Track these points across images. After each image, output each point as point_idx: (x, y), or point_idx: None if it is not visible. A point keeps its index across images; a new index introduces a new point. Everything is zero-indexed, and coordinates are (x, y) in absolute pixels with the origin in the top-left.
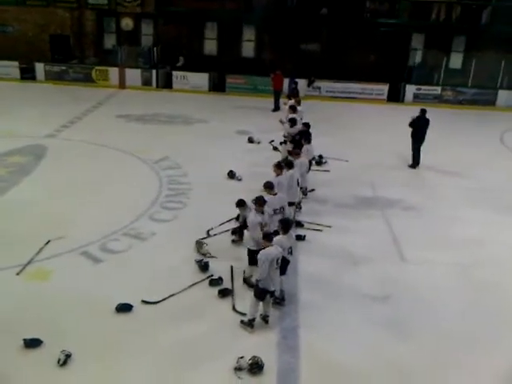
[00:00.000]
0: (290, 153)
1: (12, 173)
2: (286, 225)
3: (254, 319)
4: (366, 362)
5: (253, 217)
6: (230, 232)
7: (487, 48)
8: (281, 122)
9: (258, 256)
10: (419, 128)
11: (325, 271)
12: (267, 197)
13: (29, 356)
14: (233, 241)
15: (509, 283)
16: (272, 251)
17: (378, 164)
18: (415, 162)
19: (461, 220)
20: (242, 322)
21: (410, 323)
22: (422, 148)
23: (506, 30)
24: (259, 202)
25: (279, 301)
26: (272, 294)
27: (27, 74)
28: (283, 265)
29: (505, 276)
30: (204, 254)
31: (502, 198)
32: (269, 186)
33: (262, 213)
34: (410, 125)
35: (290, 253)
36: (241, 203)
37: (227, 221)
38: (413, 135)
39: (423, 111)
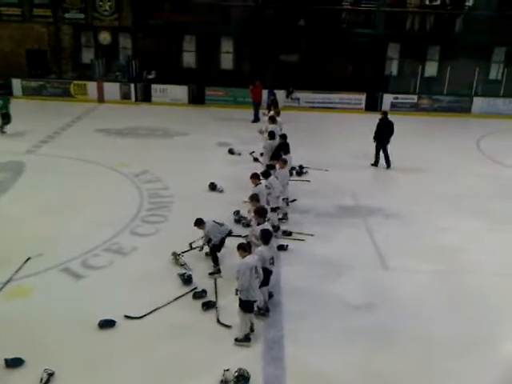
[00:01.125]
0: (268, 166)
1: None
2: (267, 235)
3: (248, 333)
4: (350, 371)
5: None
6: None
7: (461, 56)
8: (260, 132)
9: (237, 267)
10: (381, 129)
11: (308, 281)
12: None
13: (10, 376)
14: (206, 254)
15: (489, 289)
16: (250, 260)
17: (359, 173)
18: (377, 161)
19: (440, 227)
20: (236, 340)
21: (394, 331)
22: (390, 150)
23: (478, 38)
24: (260, 212)
25: (263, 312)
26: (255, 302)
27: (4, 90)
28: (266, 275)
29: (485, 282)
30: (182, 265)
31: (481, 203)
32: (255, 198)
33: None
34: (376, 127)
35: (272, 263)
36: (198, 222)
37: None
38: (376, 137)
39: (385, 113)
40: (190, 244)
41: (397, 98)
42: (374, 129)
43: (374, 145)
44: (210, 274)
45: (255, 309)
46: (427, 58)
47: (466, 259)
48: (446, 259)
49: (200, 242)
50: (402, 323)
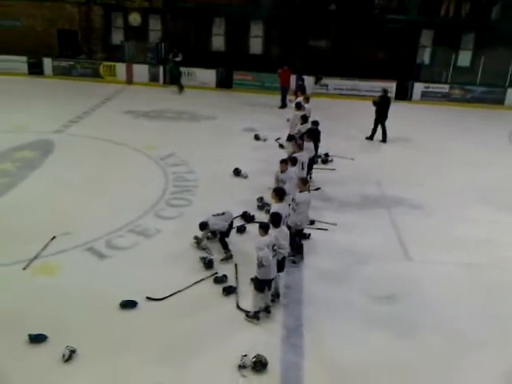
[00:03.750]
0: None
1: (19, 168)
2: (275, 218)
3: (258, 311)
4: (370, 361)
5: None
6: (235, 230)
7: (496, 45)
8: (288, 120)
9: (256, 243)
10: (382, 106)
11: (330, 270)
12: (275, 206)
13: (33, 351)
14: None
15: None
16: (267, 238)
17: (385, 162)
18: (373, 135)
19: (468, 219)
20: (247, 315)
21: (415, 323)
22: (387, 124)
23: None
24: (278, 192)
25: (273, 298)
26: (271, 282)
27: (35, 69)
28: (280, 261)
29: (511, 276)
30: (204, 249)
31: (510, 196)
32: (279, 194)
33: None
34: (374, 103)
35: (282, 248)
36: (204, 226)
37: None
38: (377, 112)
39: (385, 91)
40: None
41: (428, 87)
42: (403, 119)
43: (400, 134)
44: (221, 260)
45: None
46: (461, 47)
47: (493, 253)
48: (473, 252)
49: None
50: (424, 315)
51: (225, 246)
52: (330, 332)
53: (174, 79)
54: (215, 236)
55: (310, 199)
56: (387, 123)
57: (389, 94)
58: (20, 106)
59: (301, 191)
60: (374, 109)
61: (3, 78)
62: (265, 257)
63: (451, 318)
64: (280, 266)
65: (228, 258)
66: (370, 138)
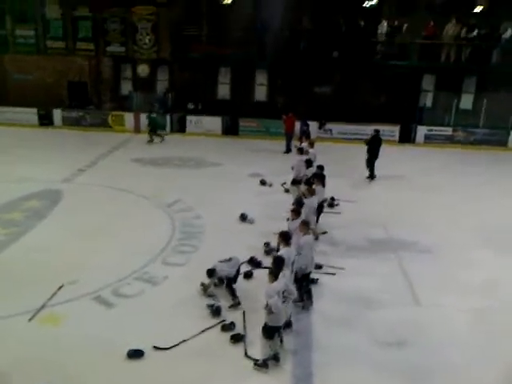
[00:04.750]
0: (304, 195)
1: (28, 217)
2: (278, 262)
3: (268, 359)
4: None
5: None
6: (242, 276)
7: (498, 88)
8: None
9: (265, 291)
10: (373, 145)
11: (338, 315)
12: (282, 250)
13: None
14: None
15: None
16: (277, 285)
17: (391, 205)
18: (373, 174)
19: (475, 263)
20: (255, 364)
21: (426, 371)
22: (377, 164)
23: None
24: (284, 236)
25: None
26: (280, 329)
27: (45, 120)
28: None
29: None
30: (211, 296)
31: None
32: (284, 237)
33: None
34: (366, 143)
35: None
36: (211, 273)
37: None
38: (368, 151)
39: (377, 131)
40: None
41: (431, 130)
42: (407, 161)
43: (405, 177)
44: (229, 307)
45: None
46: (463, 90)
47: (502, 297)
48: (481, 297)
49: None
50: (434, 362)
51: (232, 293)
52: (340, 380)
53: (155, 129)
54: (222, 283)
55: (312, 242)
56: (377, 162)
57: (380, 135)
58: (29, 157)
59: (304, 234)
60: (365, 148)
61: (15, 130)
62: (274, 304)
63: (462, 365)
64: None
65: (236, 304)
66: (371, 177)
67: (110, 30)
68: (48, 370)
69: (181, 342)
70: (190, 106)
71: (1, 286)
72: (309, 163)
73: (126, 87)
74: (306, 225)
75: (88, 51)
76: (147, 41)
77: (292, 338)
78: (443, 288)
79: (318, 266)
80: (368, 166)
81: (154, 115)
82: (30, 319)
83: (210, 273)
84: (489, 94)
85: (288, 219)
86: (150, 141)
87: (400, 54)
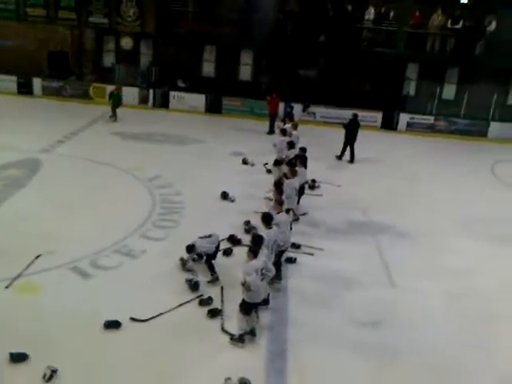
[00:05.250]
0: (285, 175)
1: (6, 185)
2: (257, 240)
3: (244, 334)
4: None
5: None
6: (221, 252)
7: (480, 80)
8: (275, 145)
9: (244, 269)
10: (351, 128)
11: (315, 295)
12: (264, 232)
13: (14, 370)
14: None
15: (497, 313)
16: (256, 263)
17: (371, 189)
18: (342, 155)
19: (451, 249)
20: (231, 338)
21: (399, 350)
22: (355, 146)
23: (498, 62)
24: (265, 218)
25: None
26: (258, 305)
27: (24, 89)
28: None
29: (494, 306)
30: (189, 271)
31: (493, 227)
32: (265, 220)
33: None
34: (344, 126)
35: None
36: (190, 249)
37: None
38: (346, 134)
39: (355, 115)
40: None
41: (413, 118)
42: (389, 147)
43: (388, 158)
44: (208, 282)
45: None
46: (445, 80)
47: (476, 282)
48: (456, 281)
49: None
50: (408, 342)
51: (211, 269)
52: (313, 357)
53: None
54: (201, 258)
55: (288, 219)
56: (358, 147)
57: (358, 119)
58: (7, 125)
59: (278, 212)
60: (346, 133)
61: None
62: (253, 282)
63: (435, 346)
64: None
65: (214, 280)
66: (339, 157)
67: (94, 1)
68: (22, 338)
69: (158, 315)
70: (181, 83)
71: None
72: (291, 145)
73: (109, 59)
74: (278, 203)
75: (70, 21)
76: (131, 13)
77: (268, 314)
78: (419, 271)
79: (297, 246)
80: (344, 149)
81: (116, 92)
82: (6, 287)
83: (190, 249)
84: (471, 86)
85: (266, 198)
86: (113, 117)
87: (386, 41)
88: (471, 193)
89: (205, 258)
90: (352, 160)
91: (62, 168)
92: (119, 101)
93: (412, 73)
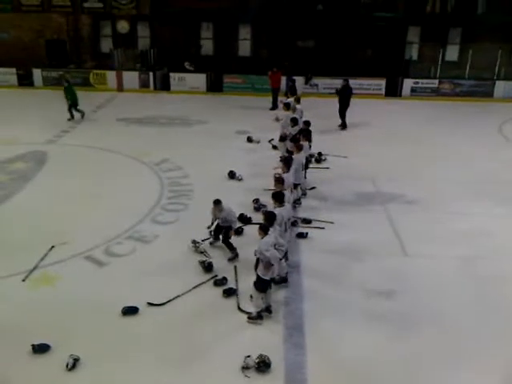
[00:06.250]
0: (289, 152)
1: (14, 179)
2: (270, 217)
3: (261, 311)
4: (372, 357)
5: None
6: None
7: (484, 38)
8: (276, 119)
9: (261, 246)
10: (343, 94)
11: (328, 268)
12: (276, 210)
13: (37, 361)
14: (210, 243)
15: None
16: (269, 239)
17: (379, 159)
18: (343, 125)
19: (463, 213)
20: (249, 317)
21: (414, 318)
22: (347, 113)
23: (501, 19)
24: (277, 196)
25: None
26: (272, 282)
27: (25, 80)
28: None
29: (509, 268)
30: (202, 252)
31: (503, 189)
32: (277, 198)
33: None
34: (337, 92)
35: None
36: (218, 201)
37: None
38: (340, 101)
39: (346, 81)
40: (210, 231)
41: (417, 83)
42: (394, 115)
43: (391, 130)
44: (229, 259)
45: (276, 276)
46: (448, 42)
47: (489, 245)
48: (469, 245)
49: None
50: (422, 310)
51: (230, 246)
52: (331, 330)
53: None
54: (217, 240)
55: (290, 197)
56: (364, 117)
57: (350, 84)
58: (11, 118)
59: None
60: (340, 99)
61: None
62: (273, 256)
63: (450, 312)
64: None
65: (235, 257)
66: (342, 126)
67: None
68: (43, 329)
69: (174, 298)
70: (188, 66)
71: None
72: (294, 121)
73: (107, 45)
74: (279, 182)
75: (64, 7)
76: None
77: (283, 290)
78: (431, 238)
79: (308, 221)
80: (340, 115)
81: (67, 85)
82: (23, 280)
83: (218, 201)
84: (474, 45)
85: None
86: (71, 118)
87: (385, 5)
88: (480, 155)
89: (223, 236)
90: (344, 126)
91: (68, 158)
92: (74, 95)
93: (413, 36)
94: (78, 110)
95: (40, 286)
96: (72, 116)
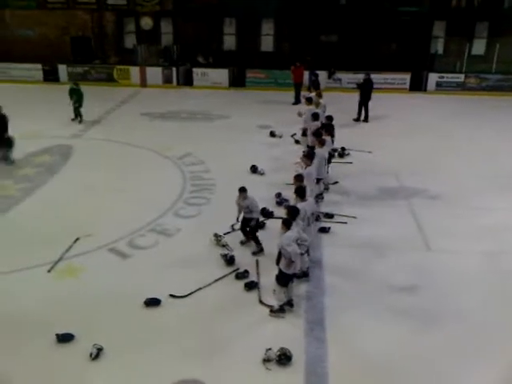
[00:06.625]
0: (309, 146)
1: (40, 173)
2: (292, 212)
3: (283, 304)
4: (393, 352)
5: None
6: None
7: (511, 32)
8: (298, 114)
9: (281, 241)
10: (365, 88)
11: (351, 262)
12: (299, 204)
13: (61, 351)
14: (241, 242)
15: None
16: (291, 234)
17: (402, 154)
18: (360, 117)
19: (487, 208)
20: (271, 311)
21: (436, 313)
22: (370, 106)
23: None
24: (299, 191)
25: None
26: (294, 276)
27: (50, 76)
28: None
29: None
30: (224, 246)
31: None
32: (299, 193)
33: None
34: (358, 86)
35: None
36: (243, 189)
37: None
38: (361, 94)
39: (368, 74)
40: (232, 226)
41: (442, 77)
42: (419, 109)
43: (419, 120)
44: (253, 253)
45: (298, 271)
46: (475, 36)
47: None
48: (492, 241)
49: (237, 226)
50: (446, 305)
51: (256, 240)
52: (352, 324)
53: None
54: (247, 225)
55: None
56: (388, 111)
57: (371, 78)
58: (37, 112)
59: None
60: (361, 93)
61: (20, 86)
62: (293, 252)
63: (473, 308)
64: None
65: (260, 251)
66: (357, 119)
67: None
68: (67, 319)
69: (196, 291)
70: (202, 60)
71: (16, 239)
72: (315, 117)
73: (130, 41)
74: (297, 178)
75: (89, 4)
76: None
77: (305, 284)
78: (455, 233)
79: (330, 215)
80: (360, 110)
81: (75, 87)
82: (48, 271)
83: (244, 189)
84: (501, 39)
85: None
86: (76, 119)
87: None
88: (506, 149)
89: (251, 230)
90: (366, 119)
91: (93, 152)
92: (81, 97)
93: (439, 30)
94: (79, 112)
95: (65, 277)
96: (80, 116)
